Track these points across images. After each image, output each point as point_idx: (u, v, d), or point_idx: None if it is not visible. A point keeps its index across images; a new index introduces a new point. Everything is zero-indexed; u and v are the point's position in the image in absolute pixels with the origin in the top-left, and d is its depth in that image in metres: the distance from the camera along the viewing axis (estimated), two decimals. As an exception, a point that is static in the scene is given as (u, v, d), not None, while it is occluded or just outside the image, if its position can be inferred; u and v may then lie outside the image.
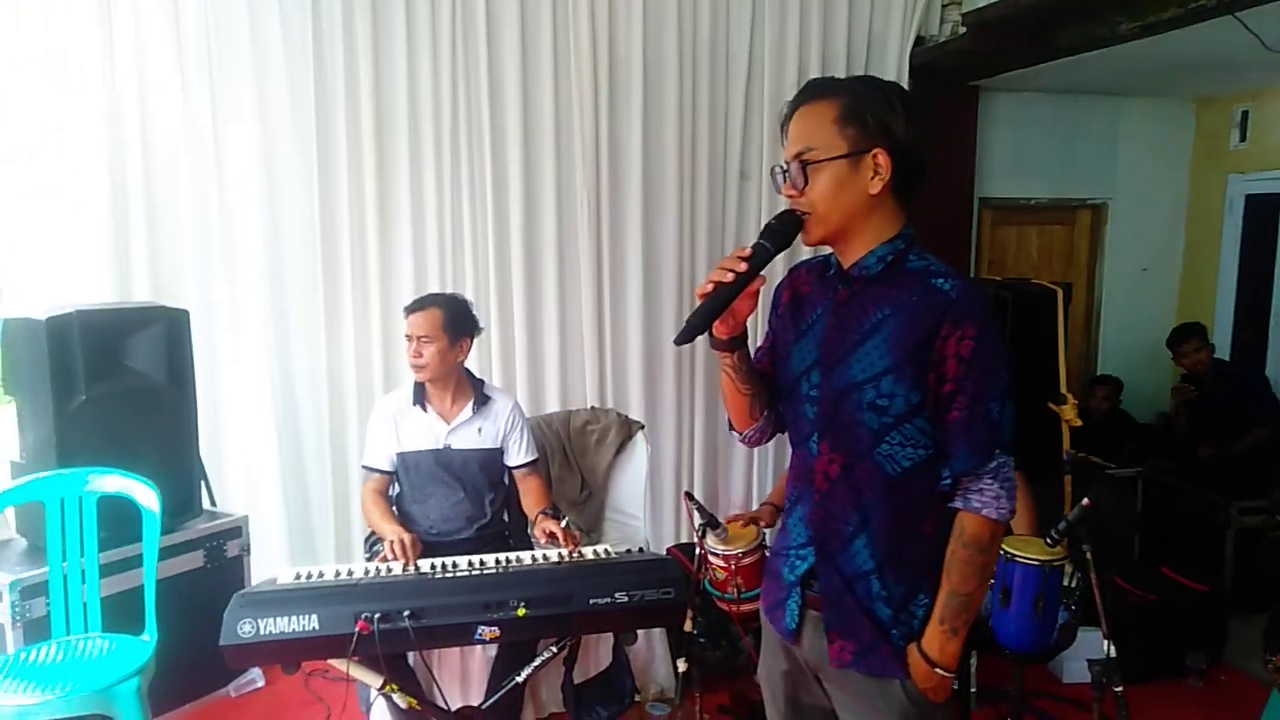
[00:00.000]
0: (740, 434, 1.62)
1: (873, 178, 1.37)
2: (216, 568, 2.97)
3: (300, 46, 3.28)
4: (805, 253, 3.81)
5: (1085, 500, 2.22)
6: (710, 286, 1.34)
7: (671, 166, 3.72)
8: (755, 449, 4.02)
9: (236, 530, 3.05)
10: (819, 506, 1.47)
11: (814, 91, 1.41)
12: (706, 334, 1.37)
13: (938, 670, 1.40)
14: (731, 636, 3.13)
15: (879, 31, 3.91)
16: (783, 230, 1.39)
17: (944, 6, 4.01)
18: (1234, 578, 3.66)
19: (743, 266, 1.34)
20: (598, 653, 2.80)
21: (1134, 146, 5.11)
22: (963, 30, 3.87)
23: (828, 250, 1.49)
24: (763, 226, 1.40)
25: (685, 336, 1.35)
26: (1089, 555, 2.25)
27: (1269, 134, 4.83)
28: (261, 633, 1.98)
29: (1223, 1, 3.07)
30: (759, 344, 1.61)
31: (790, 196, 1.41)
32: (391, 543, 2.42)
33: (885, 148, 1.36)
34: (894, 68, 3.91)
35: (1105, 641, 2.18)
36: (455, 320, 2.69)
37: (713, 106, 3.77)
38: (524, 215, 3.59)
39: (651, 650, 3.05)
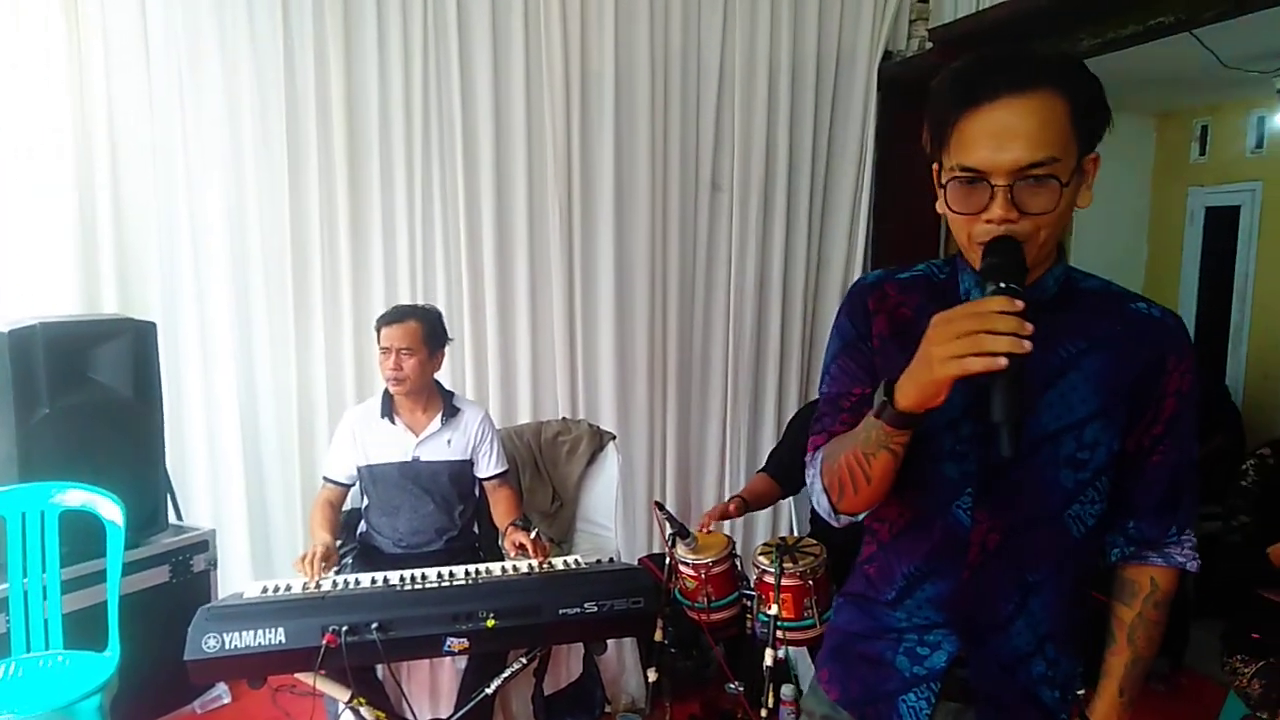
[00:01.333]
0: (856, 513, 1.22)
1: (1085, 188, 1.11)
2: (182, 583, 2.94)
3: (270, 56, 3.27)
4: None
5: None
6: (1004, 362, 0.95)
7: (643, 177, 3.74)
8: (726, 458, 4.04)
9: (203, 544, 3.02)
10: (969, 585, 1.20)
11: (1037, 77, 1.04)
12: (884, 403, 1.06)
13: None
14: (702, 646, 3.14)
15: (848, 45, 3.96)
16: (1014, 267, 1.04)
17: (911, 21, 4.07)
18: (1196, 584, 3.72)
19: (1029, 328, 0.96)
20: (568, 663, 2.80)
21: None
22: (929, 45, 3.93)
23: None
24: (985, 266, 1.06)
25: (1016, 439, 1.00)
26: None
27: (1227, 148, 4.94)
28: (227, 647, 1.96)
29: (1180, 20, 3.14)
30: (835, 388, 1.26)
31: (1007, 220, 1.05)
32: (304, 555, 2.39)
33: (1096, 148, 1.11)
34: (863, 81, 3.96)
35: (1068, 647, 2.21)
36: (433, 332, 2.71)
37: (684, 117, 3.80)
38: (496, 226, 3.59)
39: (622, 660, 3.05)
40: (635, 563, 3.26)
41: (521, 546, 2.50)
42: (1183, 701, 3.13)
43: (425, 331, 2.67)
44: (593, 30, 3.61)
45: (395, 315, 2.68)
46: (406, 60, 3.42)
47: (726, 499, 3.07)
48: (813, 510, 1.56)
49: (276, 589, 2.20)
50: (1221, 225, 5.01)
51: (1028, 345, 0.95)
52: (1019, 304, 0.97)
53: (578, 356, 3.76)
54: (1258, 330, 4.83)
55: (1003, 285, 1.01)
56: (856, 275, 3.65)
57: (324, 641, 1.98)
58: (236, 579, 3.15)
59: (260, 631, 1.98)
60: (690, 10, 3.73)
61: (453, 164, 3.52)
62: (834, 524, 1.24)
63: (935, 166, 1.15)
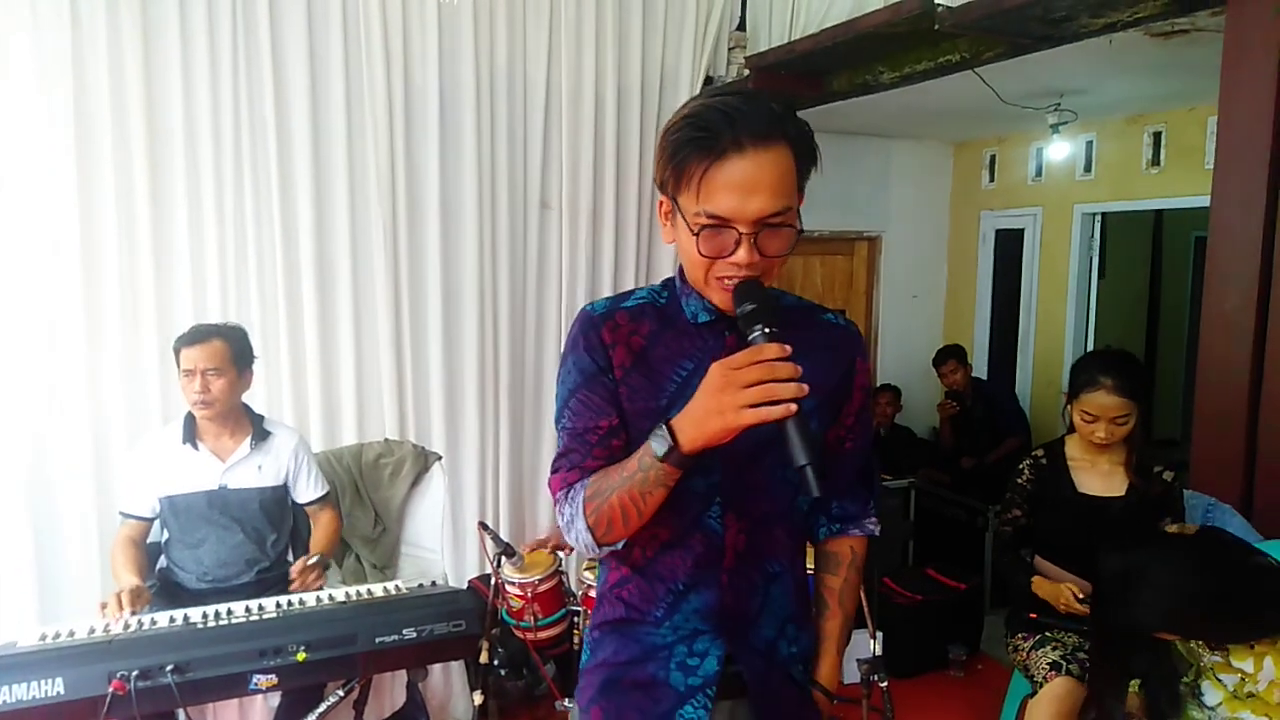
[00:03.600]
0: (618, 543, 1.24)
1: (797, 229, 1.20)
2: (-52, 635, 2.63)
3: (58, 61, 3.01)
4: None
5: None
6: (795, 408, 1.03)
7: (470, 195, 3.70)
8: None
9: (-25, 590, 2.73)
10: (728, 588, 1.27)
11: (775, 131, 1.13)
12: (670, 448, 1.10)
13: (834, 701, 1.39)
14: (532, 666, 3.12)
15: (670, 69, 4.08)
16: (770, 309, 1.13)
17: (730, 49, 4.26)
18: (992, 575, 4.06)
19: (799, 370, 1.04)
20: (391, 692, 2.72)
21: (903, 184, 5.62)
22: (746, 73, 4.12)
23: (612, 291, 1.38)
24: (747, 312, 1.12)
25: (820, 477, 1.06)
26: (855, 562, 2.43)
27: (1011, 175, 5.44)
28: (-6, 703, 1.79)
29: (964, 59, 3.44)
30: (580, 423, 1.25)
31: (750, 264, 1.14)
32: (115, 594, 2.25)
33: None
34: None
35: (871, 640, 2.35)
36: (240, 350, 2.59)
37: (511, 135, 3.80)
38: (316, 245, 3.45)
39: (450, 684, 2.99)
40: (465, 585, 3.22)
41: (298, 574, 2.46)
42: (979, 684, 3.39)
43: (232, 351, 2.56)
44: (415, 45, 3.55)
45: (197, 335, 2.54)
46: (214, 66, 3.23)
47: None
48: None
49: (56, 635, 2.02)
50: (1009, 246, 5.51)
51: (806, 388, 1.04)
52: (788, 349, 1.05)
53: (406, 377, 3.67)
54: (1041, 341, 5.33)
55: (768, 330, 1.09)
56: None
57: (111, 689, 1.83)
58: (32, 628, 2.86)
59: (34, 684, 1.81)
60: (515, 29, 3.73)
61: (267, 179, 3.35)
62: (594, 555, 1.25)
63: (666, 199, 1.21)
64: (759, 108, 1.14)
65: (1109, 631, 1.96)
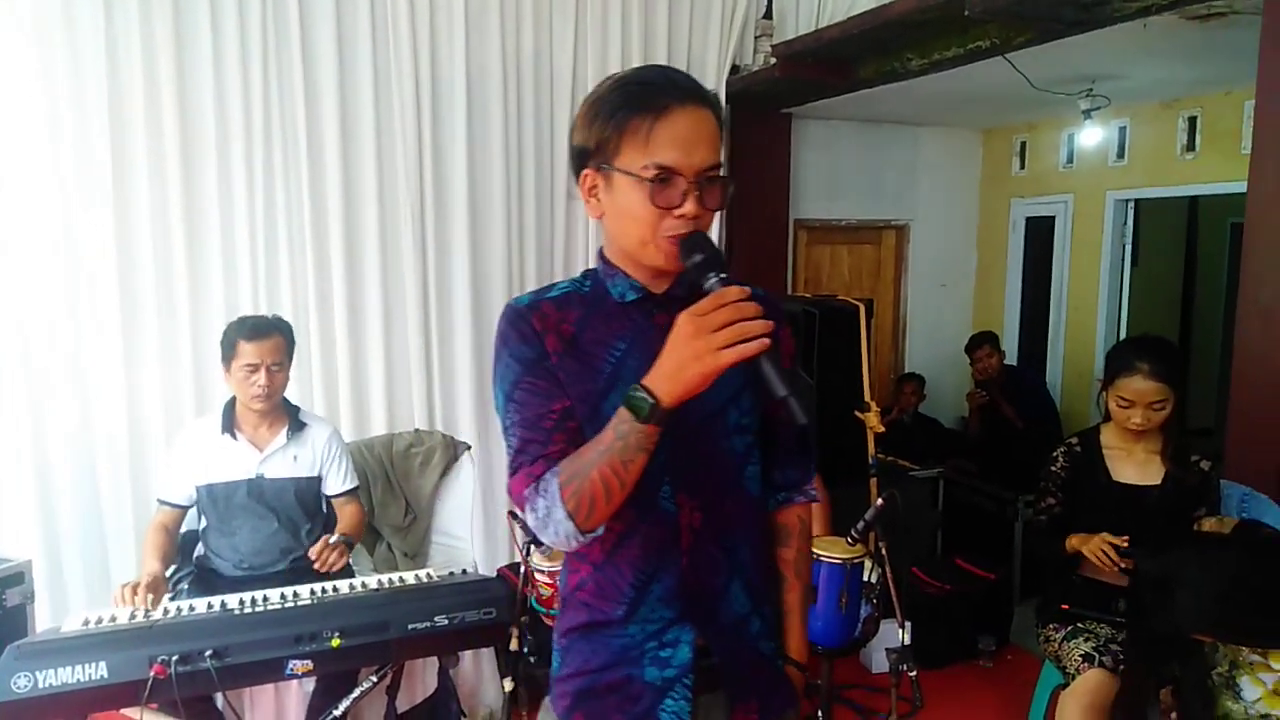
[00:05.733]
0: (598, 528, 1.19)
1: None
2: (-6, 619, 2.71)
3: (92, 53, 3.06)
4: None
5: (879, 501, 2.39)
6: (768, 342, 1.06)
7: (498, 184, 3.72)
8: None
9: (18, 577, 2.78)
10: (689, 570, 1.26)
11: (704, 94, 1.20)
12: (651, 405, 1.09)
13: (804, 673, 1.40)
14: (561, 652, 3.15)
15: (697, 58, 4.07)
16: (720, 258, 1.18)
17: (756, 38, 4.24)
18: (1021, 566, 4.03)
19: (760, 309, 1.08)
20: (423, 678, 2.75)
21: (931, 172, 5.56)
22: (773, 61, 4.09)
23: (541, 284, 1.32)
24: (699, 261, 1.16)
25: (802, 405, 1.09)
26: (884, 551, 2.42)
27: (1042, 162, 5.37)
28: (40, 686, 1.83)
29: (995, 44, 3.40)
30: (530, 411, 1.21)
31: (697, 216, 1.17)
32: (127, 585, 2.27)
33: None
34: None
35: (900, 630, 2.34)
36: (293, 344, 2.66)
37: (538, 125, 3.81)
38: (345, 235, 3.49)
39: (480, 671, 3.02)
40: (494, 573, 3.25)
41: (318, 554, 2.48)
42: (1007, 675, 3.37)
43: (288, 344, 2.64)
44: (442, 36, 3.56)
45: (264, 328, 2.58)
46: (244, 62, 3.27)
47: None
48: None
49: (99, 621, 2.07)
50: (1039, 234, 5.44)
51: (771, 324, 1.08)
52: (747, 289, 1.10)
53: (434, 367, 3.70)
54: (1072, 330, 5.27)
55: (723, 275, 1.14)
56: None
57: (152, 673, 1.87)
58: (70, 613, 2.93)
59: (79, 667, 1.85)
60: (542, 19, 3.74)
61: (297, 171, 3.39)
62: (574, 546, 1.19)
63: (589, 173, 1.23)
64: (680, 74, 1.23)
65: (1147, 634, 1.94)
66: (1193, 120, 4.52)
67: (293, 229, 3.43)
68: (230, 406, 2.63)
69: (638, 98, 1.17)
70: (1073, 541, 2.44)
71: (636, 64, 3.90)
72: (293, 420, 2.67)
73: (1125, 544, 2.32)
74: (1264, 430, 2.54)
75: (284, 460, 2.64)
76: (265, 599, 2.21)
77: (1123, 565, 2.30)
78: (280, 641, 2.02)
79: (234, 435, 2.61)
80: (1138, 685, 1.96)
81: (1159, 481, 2.47)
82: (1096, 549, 2.35)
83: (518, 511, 1.24)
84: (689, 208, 1.17)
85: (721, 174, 1.20)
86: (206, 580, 2.59)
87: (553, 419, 1.21)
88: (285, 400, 2.70)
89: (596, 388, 1.23)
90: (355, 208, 3.51)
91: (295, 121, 3.37)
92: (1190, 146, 4.55)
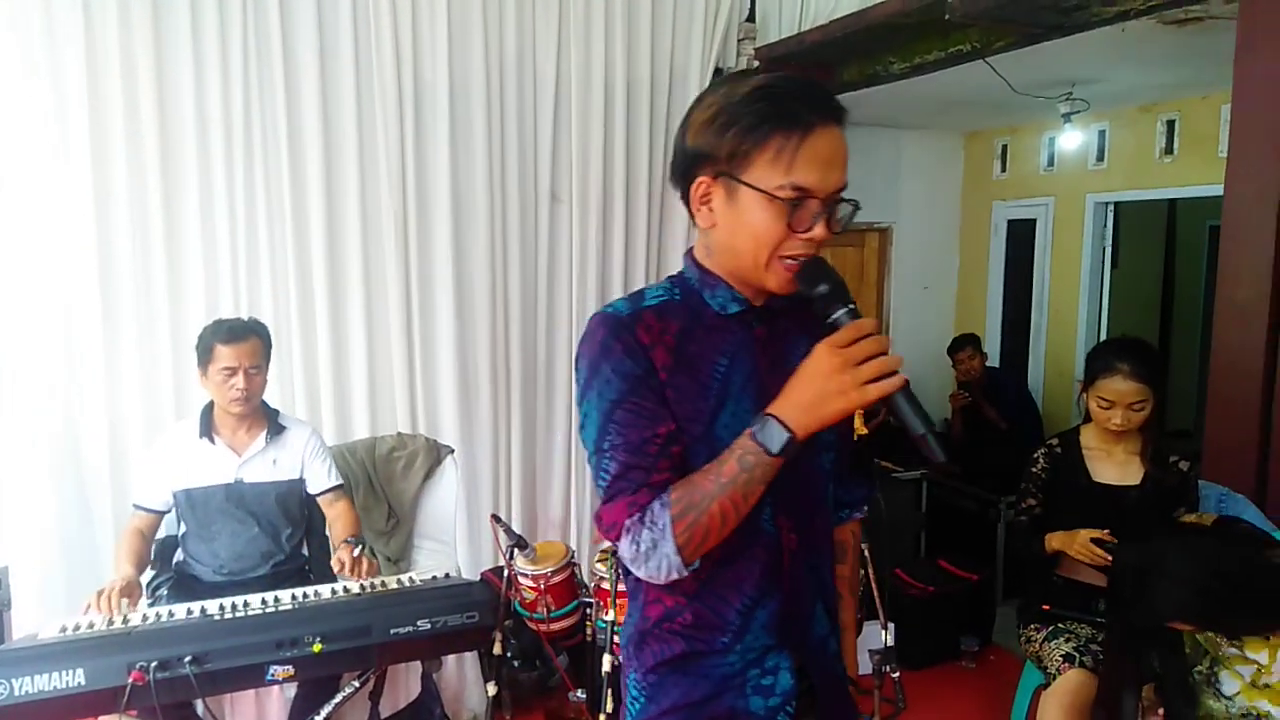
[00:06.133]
0: (695, 563, 1.14)
1: None
2: (-31, 627, 2.67)
3: (72, 58, 3.03)
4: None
5: (862, 504, 2.40)
6: (905, 377, 1.06)
7: (481, 188, 3.71)
8: (572, 468, 4.06)
9: (-4, 582, 2.76)
10: (790, 595, 1.22)
11: (840, 114, 1.14)
12: (788, 440, 1.07)
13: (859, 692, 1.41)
14: (545, 657, 3.14)
15: (680, 61, 4.07)
16: (844, 287, 1.14)
17: (739, 41, 4.24)
18: (1004, 566, 4.05)
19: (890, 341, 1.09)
20: (406, 683, 2.74)
21: (913, 175, 5.60)
22: (756, 64, 4.10)
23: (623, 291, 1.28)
24: (826, 291, 1.12)
25: (941, 443, 1.09)
26: (867, 553, 2.43)
27: (1023, 165, 5.41)
28: (17, 693, 1.81)
29: (975, 48, 3.42)
30: (634, 434, 1.14)
31: (822, 240, 1.14)
32: (99, 591, 2.23)
33: None
34: (695, 96, 4.07)
35: (883, 631, 2.36)
36: (270, 346, 2.65)
37: (521, 128, 3.80)
38: (327, 239, 3.47)
39: (463, 675, 3.01)
40: (478, 577, 3.23)
41: (342, 565, 2.43)
42: (990, 676, 3.39)
43: (266, 347, 2.62)
44: (424, 36, 3.55)
45: (240, 331, 2.56)
46: (225, 65, 3.24)
47: (575, 526, 3.09)
48: None
49: (77, 627, 2.05)
50: (1021, 236, 5.48)
51: (902, 358, 1.08)
52: (874, 321, 1.09)
53: (416, 370, 3.68)
54: (1053, 332, 5.31)
55: (852, 306, 1.11)
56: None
57: (130, 680, 1.86)
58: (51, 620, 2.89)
59: (56, 674, 1.84)
60: (525, 23, 3.73)
61: (278, 172, 3.37)
62: (670, 579, 1.13)
63: (706, 181, 1.16)
64: (821, 88, 1.17)
65: (1126, 625, 1.96)
66: (1171, 124, 4.57)
67: (274, 232, 3.41)
68: (208, 411, 2.61)
69: (785, 113, 1.10)
70: (1053, 542, 2.46)
71: (621, 67, 3.90)
72: (272, 423, 2.65)
73: (1107, 537, 2.34)
74: (1241, 430, 2.56)
75: (263, 464, 2.62)
76: (246, 604, 2.19)
77: (1108, 560, 2.32)
78: (261, 647, 2.01)
79: (212, 439, 2.59)
80: (1117, 678, 1.98)
81: (1138, 482, 2.49)
82: (1081, 548, 2.37)
83: (610, 542, 1.16)
84: (818, 231, 1.12)
85: (845, 195, 1.15)
86: (186, 586, 2.57)
87: (658, 443, 1.13)
88: (264, 403, 2.68)
89: (708, 406, 1.16)
90: (337, 209, 3.49)
91: (276, 125, 3.35)
92: (1169, 150, 4.59)
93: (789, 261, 1.13)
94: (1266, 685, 1.84)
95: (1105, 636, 2.32)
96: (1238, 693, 1.89)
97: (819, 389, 1.06)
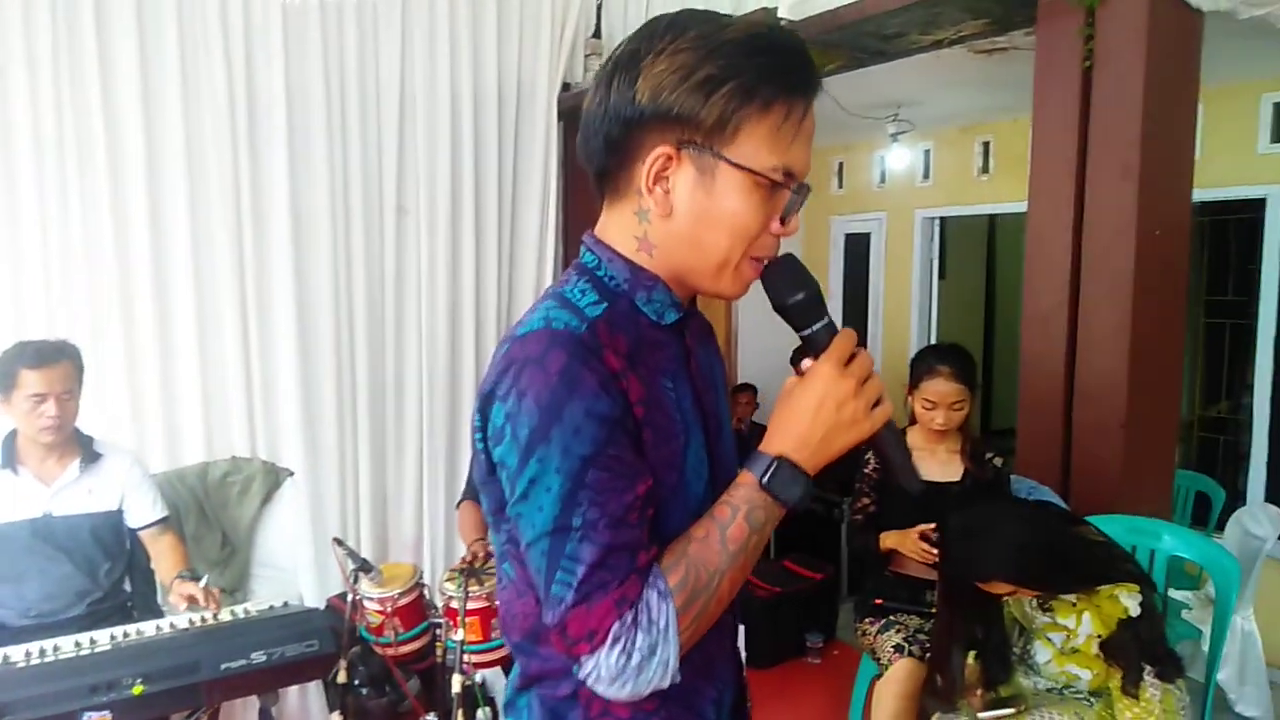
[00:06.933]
0: None
1: None
2: None
3: None
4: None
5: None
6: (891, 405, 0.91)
7: (323, 200, 3.59)
8: (424, 486, 3.97)
9: None
10: (731, 626, 1.08)
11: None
12: (806, 485, 0.92)
13: None
14: (394, 682, 3.05)
15: (528, 75, 4.08)
16: (820, 293, 0.97)
17: (586, 56, 4.29)
18: (848, 564, 4.24)
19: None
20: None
21: (758, 190, 5.79)
22: (602, 80, 4.15)
23: (587, 296, 0.93)
24: (804, 300, 0.94)
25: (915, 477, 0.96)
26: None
27: (858, 181, 5.72)
28: None
29: (808, 70, 3.60)
30: (614, 501, 0.85)
31: (785, 235, 0.96)
32: None
33: None
34: (544, 110, 4.10)
35: (730, 635, 2.42)
36: (81, 369, 2.46)
37: (364, 139, 3.70)
38: (152, 252, 3.26)
39: (307, 707, 2.89)
40: (324, 604, 3.11)
41: (192, 599, 2.29)
42: (834, 670, 3.53)
43: (78, 371, 2.44)
44: (258, 45, 3.41)
45: (46, 355, 2.37)
46: (31, 66, 3.01)
47: (428, 546, 3.01)
48: None
49: None
50: (857, 249, 5.78)
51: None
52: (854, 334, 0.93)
53: (255, 390, 3.51)
54: (888, 340, 5.62)
55: (828, 319, 0.94)
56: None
57: (-86, 741, 1.68)
58: None
59: None
60: (365, 32, 3.65)
61: (94, 187, 3.14)
62: (655, 690, 0.87)
63: (668, 152, 0.89)
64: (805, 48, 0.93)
65: (954, 583, 2.11)
66: (986, 144, 4.94)
67: (91, 247, 3.17)
68: (10, 439, 2.40)
69: (789, 74, 0.88)
70: (888, 541, 2.60)
71: (467, 79, 3.87)
72: (86, 451, 2.47)
73: (934, 532, 2.49)
74: (1047, 426, 2.79)
75: (77, 494, 2.43)
76: (56, 648, 2.03)
77: (934, 556, 2.47)
78: (72, 693, 1.87)
79: (15, 470, 2.38)
80: (946, 638, 2.13)
81: (959, 478, 2.67)
82: (913, 546, 2.52)
83: (578, 656, 0.84)
84: (794, 224, 0.93)
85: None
86: (-13, 633, 2.35)
87: (638, 508, 0.86)
88: (77, 430, 2.49)
89: (680, 445, 0.93)
90: (163, 221, 3.29)
91: (90, 129, 3.13)
92: (985, 169, 4.96)
93: (756, 263, 0.93)
94: (1074, 649, 2.02)
95: (936, 599, 2.47)
96: (1049, 660, 2.06)
97: (831, 420, 0.89)
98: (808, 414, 0.90)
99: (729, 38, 0.87)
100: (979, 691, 2.10)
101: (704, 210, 0.90)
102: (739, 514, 0.88)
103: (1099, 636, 1.98)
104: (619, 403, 0.86)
